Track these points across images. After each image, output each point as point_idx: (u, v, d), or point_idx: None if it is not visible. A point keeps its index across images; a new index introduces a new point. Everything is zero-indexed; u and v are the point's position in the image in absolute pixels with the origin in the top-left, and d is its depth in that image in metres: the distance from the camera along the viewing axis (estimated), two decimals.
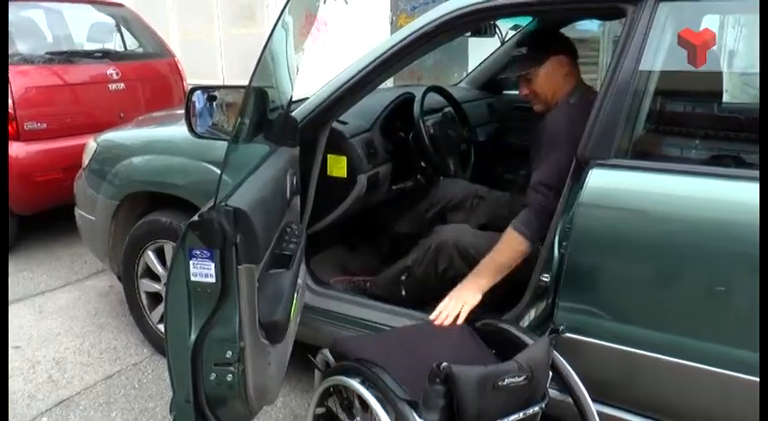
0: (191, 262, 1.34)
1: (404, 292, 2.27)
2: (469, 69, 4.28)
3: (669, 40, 1.75)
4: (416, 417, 1.39)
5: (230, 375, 1.43)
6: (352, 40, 6.43)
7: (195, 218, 1.33)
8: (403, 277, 2.28)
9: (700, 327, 1.64)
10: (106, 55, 4.27)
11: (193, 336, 1.40)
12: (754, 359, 1.52)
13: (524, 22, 3.25)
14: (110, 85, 4.10)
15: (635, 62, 1.71)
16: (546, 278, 1.79)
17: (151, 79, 4.50)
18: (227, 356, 1.42)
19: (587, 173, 1.71)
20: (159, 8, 8.61)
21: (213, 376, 1.43)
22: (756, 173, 1.51)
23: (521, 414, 1.49)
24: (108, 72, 4.11)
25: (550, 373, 1.60)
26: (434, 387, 1.39)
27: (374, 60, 2.03)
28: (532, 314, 1.86)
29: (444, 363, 1.37)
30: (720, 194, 1.61)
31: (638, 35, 1.71)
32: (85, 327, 2.96)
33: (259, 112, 1.73)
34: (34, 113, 3.66)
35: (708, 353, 1.61)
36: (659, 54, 1.75)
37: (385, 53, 2.02)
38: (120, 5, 4.72)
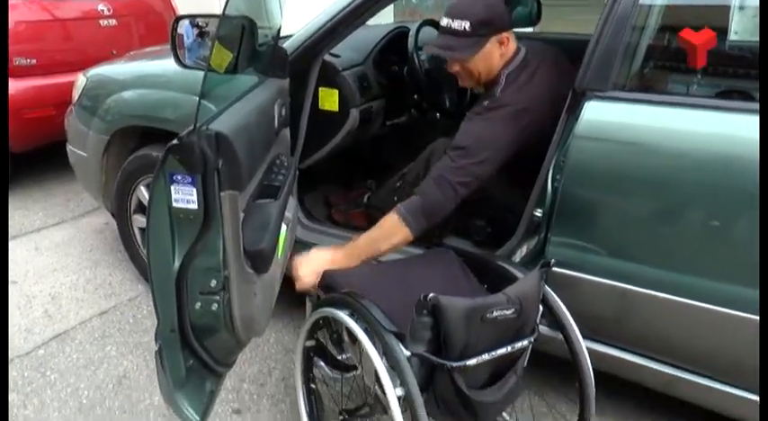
0: (172, 187, 1.30)
1: (396, 199, 2.24)
2: None
3: None
4: (402, 349, 1.37)
5: (215, 304, 1.41)
6: None
7: (174, 141, 1.29)
8: (398, 184, 2.27)
9: (694, 263, 1.62)
10: None
11: (177, 264, 1.37)
12: (751, 296, 1.51)
13: None
14: (101, 22, 4.00)
15: None
16: (539, 213, 1.77)
17: (144, 15, 4.37)
18: (212, 285, 1.40)
19: (583, 104, 1.67)
20: None
21: (198, 305, 1.42)
22: (757, 105, 1.47)
23: (509, 347, 1.46)
24: (99, 8, 4.00)
25: (541, 308, 1.58)
26: (421, 318, 1.37)
27: None
28: (525, 249, 1.84)
29: (431, 294, 1.35)
30: (720, 127, 1.57)
31: None
32: (81, 263, 2.96)
33: (246, 43, 1.68)
34: (23, 49, 3.57)
35: (703, 290, 1.60)
36: None
37: None
38: None
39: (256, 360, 2.29)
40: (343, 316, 1.53)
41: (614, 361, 1.81)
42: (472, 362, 1.39)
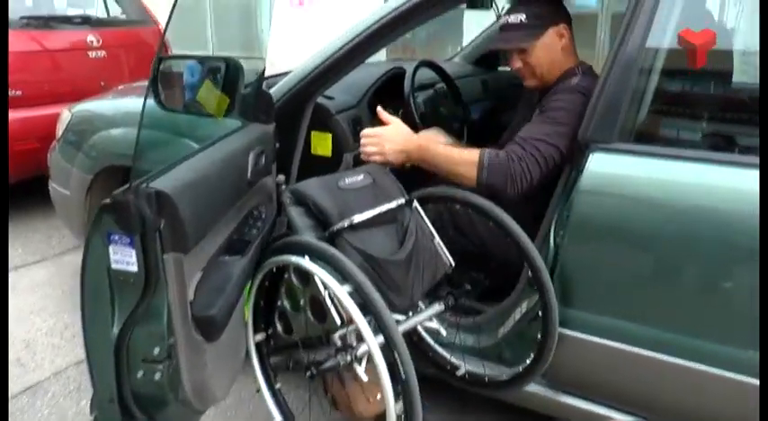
0: (110, 247, 1.21)
1: None
2: (464, 43, 4.13)
3: (679, 15, 1.63)
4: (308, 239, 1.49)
5: (158, 374, 1.30)
6: (344, 9, 6.23)
7: (107, 200, 1.19)
8: None
9: (704, 325, 1.53)
10: (86, 21, 4.10)
11: (116, 330, 1.26)
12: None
13: None
14: (89, 53, 3.95)
15: (642, 38, 1.58)
16: None
17: (134, 47, 4.32)
18: (155, 353, 1.29)
19: (587, 157, 1.60)
20: None
21: (141, 374, 1.31)
22: None
23: (382, 207, 1.61)
24: (88, 39, 3.95)
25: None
26: (293, 209, 1.55)
27: (362, 32, 1.90)
28: (524, 306, 1.75)
29: (286, 186, 1.64)
30: (733, 183, 1.49)
31: (646, 8, 1.58)
32: (59, 306, 2.84)
33: (229, 86, 1.62)
34: (9, 80, 3.49)
35: (711, 353, 1.51)
36: (668, 29, 1.62)
37: (374, 24, 1.88)
38: None
39: (241, 418, 2.16)
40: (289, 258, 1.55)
41: None
42: (355, 218, 1.54)
